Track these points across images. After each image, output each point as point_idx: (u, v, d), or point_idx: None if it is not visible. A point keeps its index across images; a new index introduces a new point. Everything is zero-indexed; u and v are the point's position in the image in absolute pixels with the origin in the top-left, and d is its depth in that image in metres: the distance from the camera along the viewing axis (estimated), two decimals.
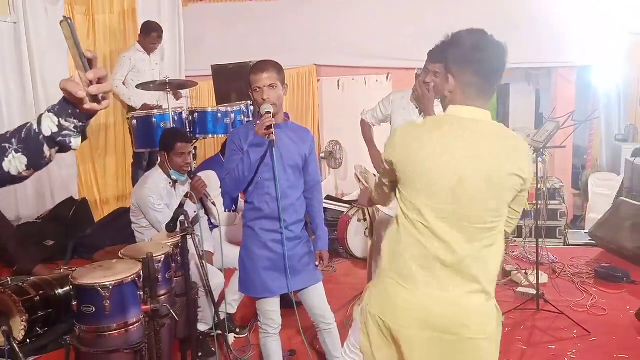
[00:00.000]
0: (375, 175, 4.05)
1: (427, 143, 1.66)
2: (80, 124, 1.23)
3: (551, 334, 3.46)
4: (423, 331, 1.67)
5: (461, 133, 1.64)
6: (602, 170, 6.75)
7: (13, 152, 1.21)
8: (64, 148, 1.25)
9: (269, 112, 2.32)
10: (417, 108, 2.92)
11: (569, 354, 3.22)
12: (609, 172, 6.58)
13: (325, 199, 5.36)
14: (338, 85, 6.99)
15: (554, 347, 3.31)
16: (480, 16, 6.23)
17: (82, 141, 1.26)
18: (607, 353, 3.22)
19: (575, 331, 3.47)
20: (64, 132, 1.21)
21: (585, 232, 5.66)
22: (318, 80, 6.97)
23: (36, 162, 1.24)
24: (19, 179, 1.25)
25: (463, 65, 1.65)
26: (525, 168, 1.65)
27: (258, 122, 2.34)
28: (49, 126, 1.21)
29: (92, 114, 1.23)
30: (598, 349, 3.27)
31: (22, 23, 4.90)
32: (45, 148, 1.22)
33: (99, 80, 1.18)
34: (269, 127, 2.29)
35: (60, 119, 1.21)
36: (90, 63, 1.17)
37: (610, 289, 4.16)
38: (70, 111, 1.21)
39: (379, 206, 2.97)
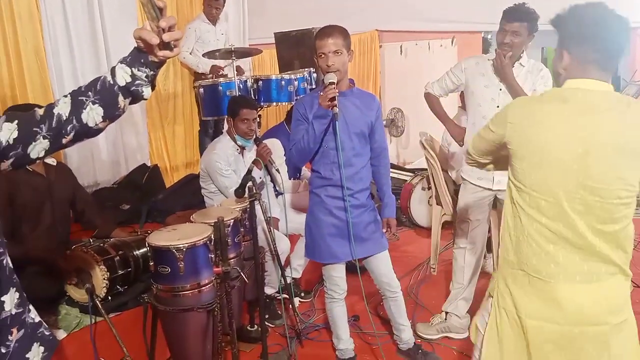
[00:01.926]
0: (446, 143, 3.96)
1: (546, 117, 1.55)
2: (152, 72, 1.29)
3: None
4: (560, 325, 1.57)
5: (584, 105, 1.53)
6: None
7: (90, 103, 1.27)
8: (136, 98, 1.31)
9: (332, 83, 2.29)
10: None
11: None
12: None
13: None
14: (400, 50, 6.83)
15: None
16: None
17: (152, 90, 1.32)
18: None
19: None
20: (137, 82, 1.28)
21: None
22: (380, 46, 6.85)
23: (111, 113, 1.30)
24: (94, 130, 1.32)
25: (582, 41, 1.55)
26: None
27: (321, 93, 2.32)
28: (123, 76, 1.27)
29: (162, 62, 1.29)
30: None
31: None
32: (120, 98, 1.29)
33: (170, 29, 1.22)
34: (333, 98, 2.27)
35: (133, 68, 1.27)
36: (161, 12, 1.22)
37: None
38: (142, 60, 1.27)
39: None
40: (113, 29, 5.19)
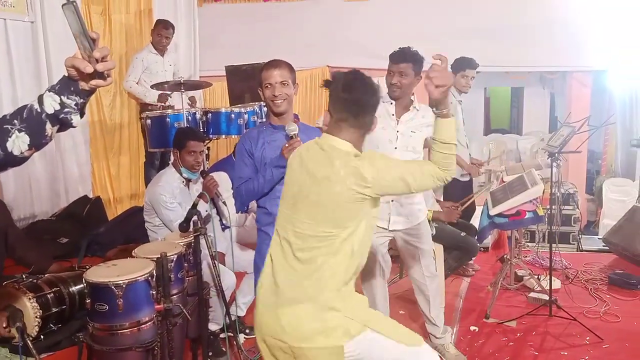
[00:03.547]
0: None
1: (296, 159, 1.91)
2: (82, 100, 1.28)
3: (563, 340, 3.43)
4: (261, 336, 1.85)
5: (315, 154, 1.85)
6: (616, 175, 6.68)
7: (16, 131, 1.26)
8: (65, 125, 1.31)
9: (297, 135, 2.31)
10: (393, 115, 2.88)
11: None
12: (624, 177, 6.51)
13: None
14: None
15: (566, 353, 3.28)
16: (495, 18, 6.22)
17: (80, 118, 1.31)
18: None
19: (587, 338, 3.43)
20: (66, 110, 1.27)
21: (599, 238, 5.60)
22: None
23: (38, 141, 1.29)
24: (20, 159, 1.30)
25: (336, 102, 1.85)
26: (362, 177, 1.74)
27: (286, 144, 2.32)
28: (51, 104, 1.26)
29: (93, 91, 1.29)
30: (611, 356, 3.24)
31: (40, 22, 4.96)
32: (48, 126, 1.27)
33: (103, 59, 1.23)
34: None
35: (62, 97, 1.26)
36: (94, 42, 1.22)
37: (624, 296, 4.11)
38: (72, 88, 1.26)
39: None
40: (57, 58, 5.05)
